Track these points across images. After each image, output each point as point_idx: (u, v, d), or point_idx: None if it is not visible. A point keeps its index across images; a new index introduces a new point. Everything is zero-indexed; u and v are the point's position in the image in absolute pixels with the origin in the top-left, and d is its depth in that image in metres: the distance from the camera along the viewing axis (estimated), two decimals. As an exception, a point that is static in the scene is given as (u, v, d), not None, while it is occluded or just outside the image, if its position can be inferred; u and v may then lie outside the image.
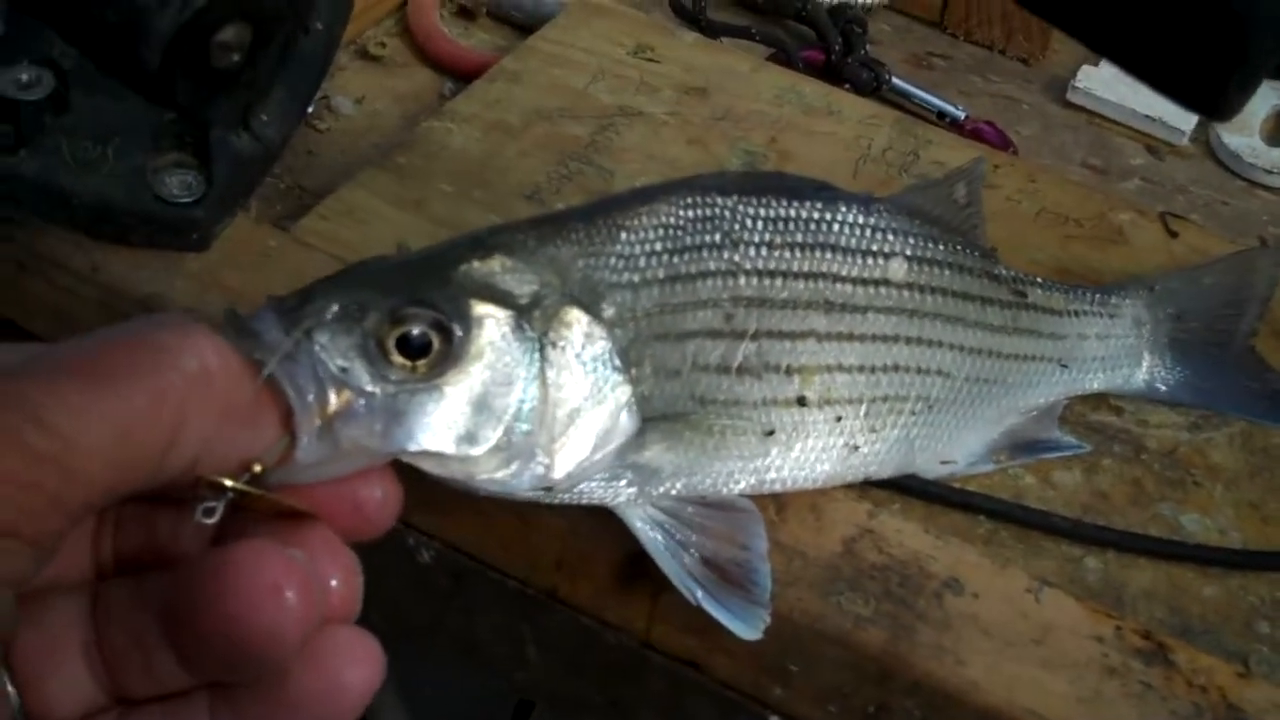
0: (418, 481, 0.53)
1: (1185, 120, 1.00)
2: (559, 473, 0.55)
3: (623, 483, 0.59)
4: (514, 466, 0.54)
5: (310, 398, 0.46)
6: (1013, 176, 0.88)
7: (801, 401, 0.62)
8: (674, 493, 0.60)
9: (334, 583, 0.44)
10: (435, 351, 0.50)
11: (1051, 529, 0.67)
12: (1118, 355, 0.74)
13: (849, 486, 0.66)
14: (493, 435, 0.52)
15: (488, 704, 0.90)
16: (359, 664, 0.43)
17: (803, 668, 0.62)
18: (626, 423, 0.57)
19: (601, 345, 0.56)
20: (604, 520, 0.60)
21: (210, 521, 0.43)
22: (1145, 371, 0.75)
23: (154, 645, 0.42)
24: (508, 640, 0.71)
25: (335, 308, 0.49)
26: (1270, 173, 0.98)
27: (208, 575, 0.40)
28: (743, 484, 0.62)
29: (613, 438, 0.57)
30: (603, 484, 0.58)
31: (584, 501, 0.59)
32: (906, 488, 0.68)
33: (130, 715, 0.43)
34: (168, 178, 0.72)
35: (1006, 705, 0.59)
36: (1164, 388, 0.75)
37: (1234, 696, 0.61)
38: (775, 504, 0.64)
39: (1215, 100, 0.50)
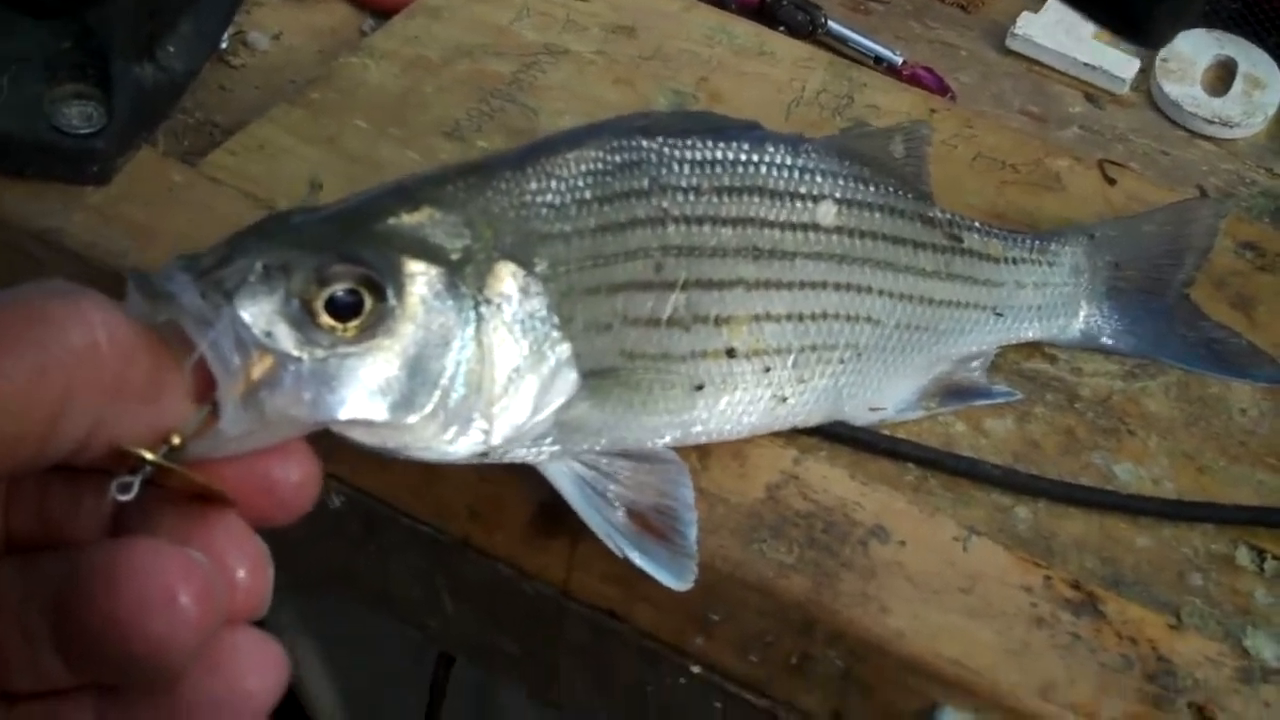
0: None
1: (1126, 69, 0.98)
2: (498, 437, 0.53)
3: (547, 441, 0.56)
4: (450, 433, 0.51)
5: (233, 365, 0.42)
6: (949, 121, 0.86)
7: (730, 353, 0.60)
8: (597, 448, 0.58)
9: (241, 574, 0.40)
10: (366, 312, 0.47)
11: (981, 477, 0.66)
12: (1054, 304, 0.72)
13: (774, 432, 0.64)
14: (429, 401, 0.49)
15: (410, 659, 0.88)
16: (261, 671, 0.40)
17: (724, 616, 0.61)
18: (567, 381, 0.55)
19: (538, 301, 0.54)
20: (517, 465, 0.58)
21: (126, 498, 0.39)
22: (1082, 321, 0.73)
23: (40, 638, 0.38)
24: (423, 589, 0.68)
25: (258, 267, 0.45)
26: (1210, 122, 0.96)
27: (97, 573, 0.36)
28: (668, 437, 0.60)
29: (553, 398, 0.55)
30: (533, 446, 0.56)
31: (506, 460, 0.56)
32: (834, 434, 0.66)
33: (11, 711, 0.40)
34: (66, 108, 0.69)
35: (931, 655, 0.58)
36: (1100, 337, 0.73)
37: (1164, 648, 0.59)
38: (698, 450, 0.63)
39: (1144, 25, 0.48)
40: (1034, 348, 0.73)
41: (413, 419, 0.49)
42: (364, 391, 0.47)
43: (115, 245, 0.66)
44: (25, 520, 0.42)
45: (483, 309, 0.52)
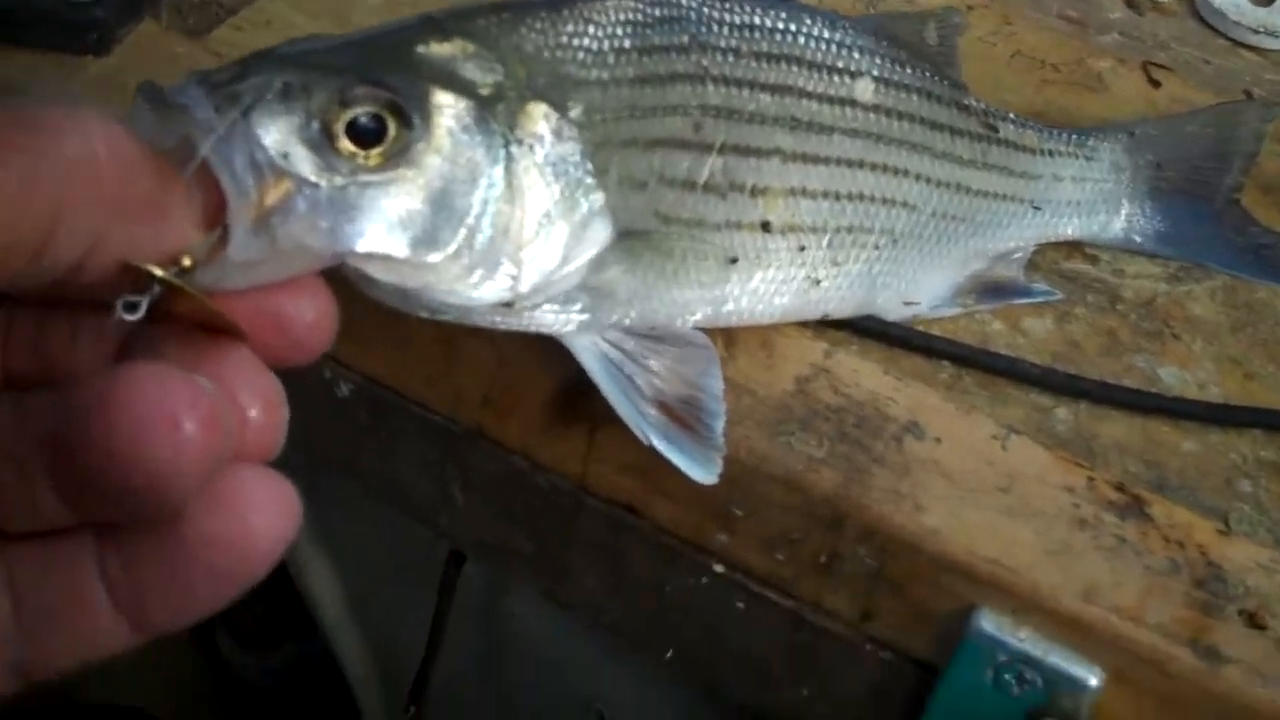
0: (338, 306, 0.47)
1: (1168, -25, 0.95)
2: (526, 284, 0.50)
3: (576, 307, 0.53)
4: (476, 276, 0.48)
5: (246, 185, 0.39)
6: (987, 18, 0.83)
7: (765, 227, 0.57)
8: (627, 321, 0.55)
9: (253, 413, 0.37)
10: (390, 140, 0.44)
11: (1019, 376, 0.62)
12: (1094, 201, 0.70)
13: (803, 324, 0.61)
14: (453, 239, 0.46)
15: (420, 557, 0.85)
16: (269, 510, 0.36)
17: (749, 512, 0.58)
18: (599, 232, 0.52)
19: (572, 146, 0.51)
20: (535, 350, 0.55)
21: (133, 318, 0.36)
22: (1123, 220, 0.70)
23: (36, 474, 0.35)
24: (432, 482, 0.66)
25: (277, 84, 0.42)
26: (1255, 32, 0.92)
27: (93, 399, 0.33)
28: (699, 315, 0.57)
29: (584, 248, 0.52)
30: (555, 308, 0.53)
31: (533, 329, 0.53)
32: (865, 329, 0.63)
33: (5, 551, 0.37)
34: (64, -25, 0.66)
35: (967, 554, 0.55)
36: (1142, 238, 0.71)
37: (1214, 554, 0.56)
38: (724, 338, 0.60)
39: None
40: (1074, 248, 0.70)
41: (436, 257, 0.46)
42: (384, 224, 0.44)
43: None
44: (22, 358, 0.39)
45: (513, 148, 0.48)
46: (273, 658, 1.31)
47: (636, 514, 0.61)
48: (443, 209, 0.46)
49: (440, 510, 0.67)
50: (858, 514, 0.56)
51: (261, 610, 1.29)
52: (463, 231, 0.46)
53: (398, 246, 0.44)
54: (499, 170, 0.48)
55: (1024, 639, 0.55)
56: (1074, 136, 0.69)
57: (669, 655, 0.66)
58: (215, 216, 0.39)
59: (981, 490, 0.57)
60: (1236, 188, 0.73)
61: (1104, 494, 0.57)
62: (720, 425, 0.54)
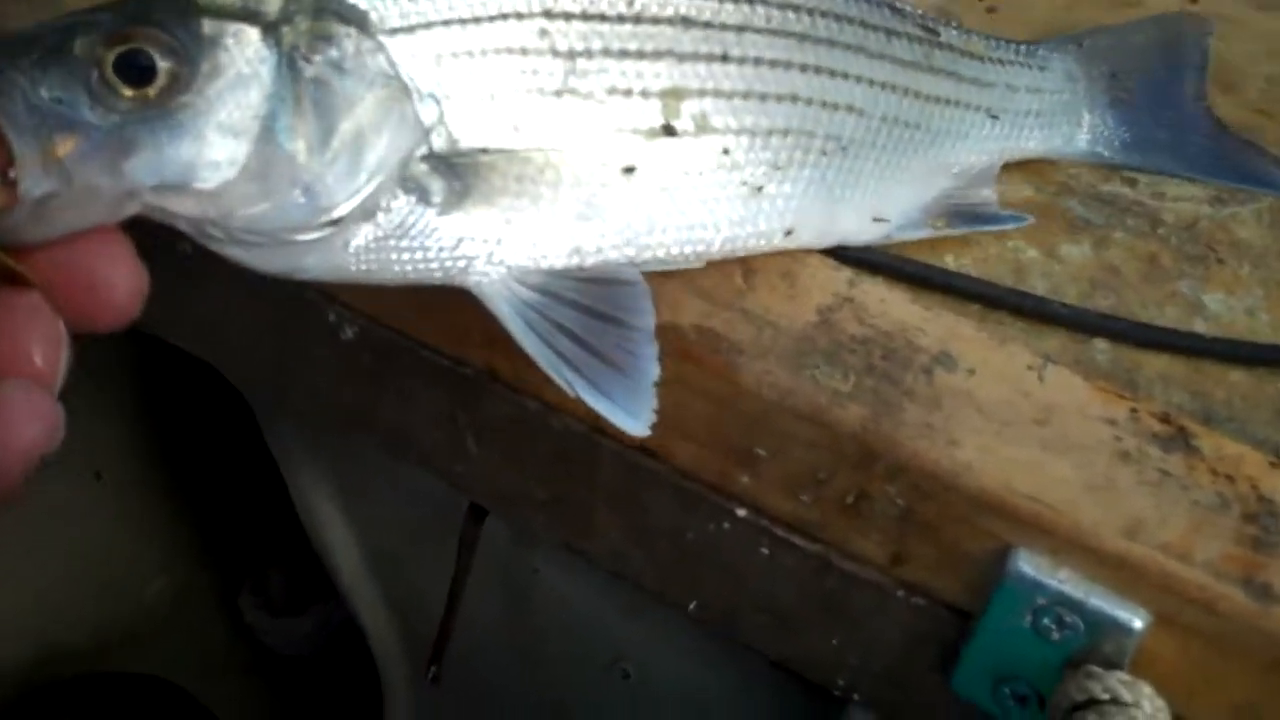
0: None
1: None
2: (336, 198, 0.48)
3: (463, 249, 0.51)
4: (277, 198, 0.47)
5: (29, 135, 0.42)
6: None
7: (669, 130, 0.54)
8: (538, 264, 0.52)
9: (36, 358, 0.40)
10: (163, 73, 0.45)
11: (1049, 317, 0.59)
12: (1053, 111, 0.68)
13: (826, 253, 0.58)
14: (240, 156, 0.46)
15: (439, 516, 0.83)
16: (24, 421, 0.39)
17: (772, 452, 0.55)
18: (411, 137, 0.49)
19: (370, 59, 0.49)
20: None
21: None
22: (1086, 132, 0.70)
23: None
24: (442, 430, 0.63)
25: (46, 35, 0.44)
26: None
27: None
28: (618, 240, 0.53)
29: (392, 154, 0.49)
30: (443, 253, 0.51)
31: (428, 279, 0.51)
32: (885, 265, 0.59)
33: None
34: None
35: (1004, 490, 0.52)
36: (1109, 151, 0.70)
37: (1265, 487, 0.53)
38: (743, 269, 0.57)
39: None
40: (1113, 171, 0.67)
41: (224, 178, 0.46)
42: (168, 155, 0.45)
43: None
44: None
45: (301, 67, 0.47)
46: (298, 624, 1.30)
47: (655, 457, 0.58)
48: (227, 133, 0.46)
49: (455, 461, 0.64)
50: (887, 450, 0.53)
51: (285, 576, 1.28)
52: (249, 148, 0.46)
53: (186, 175, 0.45)
54: (285, 90, 0.47)
55: (1064, 580, 0.52)
56: (1023, 46, 0.68)
57: (692, 607, 0.63)
58: (7, 168, 0.41)
59: (1017, 423, 0.54)
60: (1199, 96, 0.72)
61: (1148, 425, 0.54)
62: (653, 368, 0.50)
